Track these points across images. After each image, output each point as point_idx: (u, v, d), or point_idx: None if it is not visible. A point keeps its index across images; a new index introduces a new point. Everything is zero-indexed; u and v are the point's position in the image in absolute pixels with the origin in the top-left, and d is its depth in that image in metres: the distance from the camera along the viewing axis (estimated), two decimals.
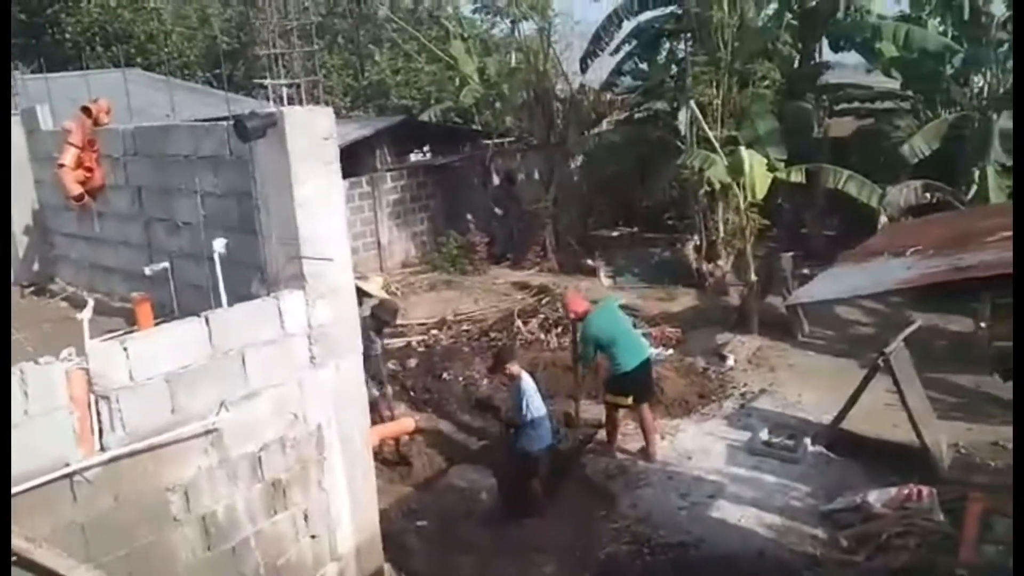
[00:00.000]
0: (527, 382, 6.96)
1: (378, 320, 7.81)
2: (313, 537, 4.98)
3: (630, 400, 7.50)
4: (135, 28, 23.17)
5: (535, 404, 6.87)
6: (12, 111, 8.14)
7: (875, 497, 6.23)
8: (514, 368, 7.05)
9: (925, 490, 6.15)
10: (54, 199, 7.47)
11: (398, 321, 11.69)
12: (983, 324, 9.23)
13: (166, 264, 6.08)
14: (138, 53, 22.22)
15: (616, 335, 7.44)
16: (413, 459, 7.72)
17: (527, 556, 6.21)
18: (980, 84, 12.19)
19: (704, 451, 7.59)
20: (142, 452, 4.00)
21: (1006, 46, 11.73)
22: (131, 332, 4.61)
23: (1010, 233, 4.52)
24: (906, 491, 6.18)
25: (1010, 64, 11.71)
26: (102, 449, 3.86)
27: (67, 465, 3.71)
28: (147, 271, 6.04)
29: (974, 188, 11.04)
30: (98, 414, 3.85)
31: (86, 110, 6.73)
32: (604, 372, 7.67)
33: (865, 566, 5.72)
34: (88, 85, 8.25)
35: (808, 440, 7.41)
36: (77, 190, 6.77)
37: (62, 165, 6.70)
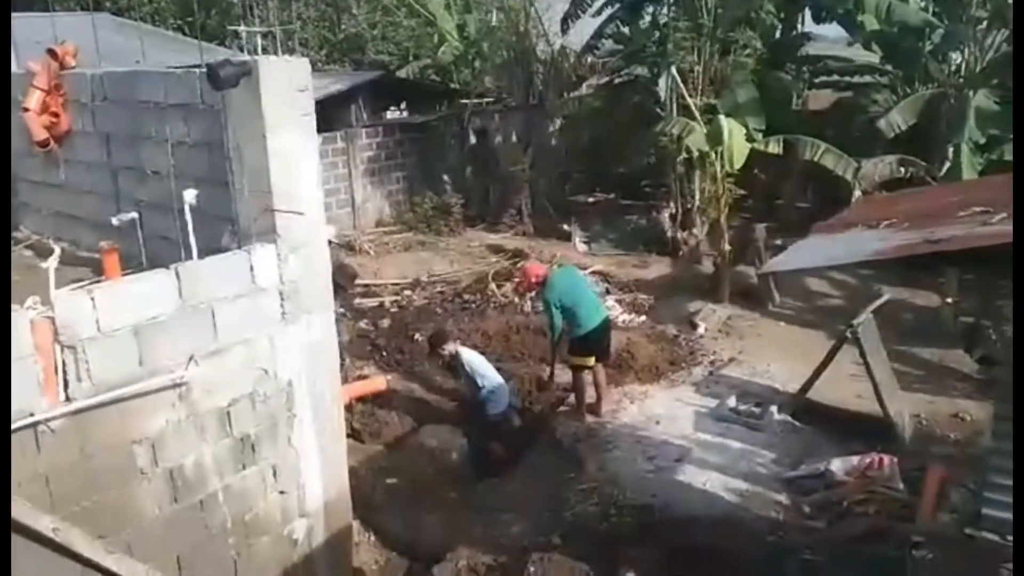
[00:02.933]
0: (468, 355, 7.00)
1: (335, 285, 7.68)
2: (282, 493, 4.97)
3: (592, 360, 7.57)
4: None
5: (487, 374, 6.93)
6: None
7: (838, 465, 6.36)
8: (450, 347, 7.11)
9: (886, 459, 6.28)
10: (18, 144, 7.24)
11: (375, 281, 11.67)
12: (949, 299, 9.40)
13: (134, 214, 5.93)
14: None
15: (577, 297, 7.54)
16: (381, 427, 7.72)
17: (496, 515, 6.27)
18: (958, 61, 12.23)
19: (672, 416, 7.68)
20: (109, 404, 3.94)
21: (984, 24, 11.77)
22: (98, 282, 4.51)
23: (982, 209, 4.57)
24: (868, 460, 6.31)
25: (988, 42, 11.77)
26: (67, 400, 3.80)
27: (31, 415, 3.65)
28: (115, 221, 5.89)
29: (947, 165, 11.14)
30: (63, 364, 3.78)
31: (52, 52, 6.50)
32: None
33: (826, 532, 5.85)
34: (54, 27, 7.92)
35: (774, 408, 7.52)
36: (42, 135, 6.56)
37: (27, 109, 6.48)
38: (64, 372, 3.79)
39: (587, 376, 7.64)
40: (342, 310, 7.84)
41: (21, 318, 3.63)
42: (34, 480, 3.72)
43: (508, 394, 7.10)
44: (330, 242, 7.40)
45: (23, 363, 3.63)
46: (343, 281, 7.83)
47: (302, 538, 5.16)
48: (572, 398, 7.88)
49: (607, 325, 7.78)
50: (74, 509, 3.86)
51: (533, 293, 8.76)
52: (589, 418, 7.62)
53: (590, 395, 7.71)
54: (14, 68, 7.49)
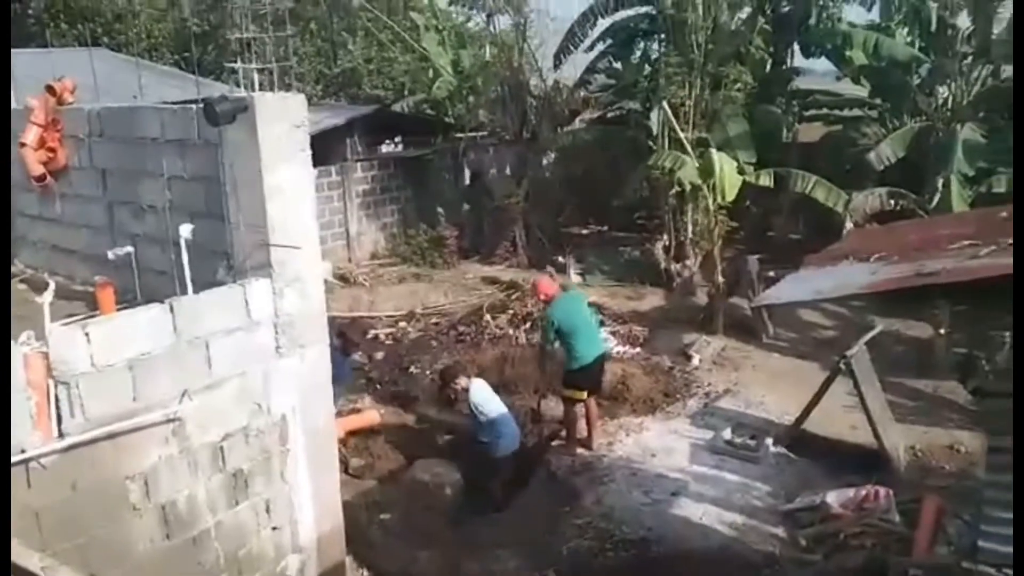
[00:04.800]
0: (477, 390, 7.04)
1: (346, 340, 7.65)
2: (275, 528, 4.93)
3: (585, 394, 7.57)
4: (101, 6, 22.57)
5: (490, 407, 6.93)
6: None
7: (833, 497, 6.34)
8: (463, 382, 7.15)
9: (882, 491, 6.26)
10: (15, 179, 7.27)
11: (369, 313, 11.69)
12: (942, 331, 9.43)
13: (130, 248, 5.94)
14: (104, 32, 21.66)
15: (578, 325, 7.52)
16: (375, 461, 7.67)
17: (491, 550, 6.22)
18: (944, 95, 12.43)
19: (668, 449, 7.65)
20: (102, 439, 3.93)
21: (970, 59, 11.99)
22: (93, 317, 4.51)
23: (970, 242, 4.62)
24: (864, 492, 6.29)
25: (974, 76, 11.99)
26: (60, 436, 3.78)
27: (23, 451, 3.63)
28: (110, 255, 5.90)
29: (937, 197, 11.26)
30: (57, 400, 3.77)
31: (50, 88, 6.55)
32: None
33: (822, 565, 5.82)
34: (52, 63, 8.03)
35: (770, 440, 7.51)
36: (39, 170, 6.59)
37: (24, 144, 6.52)
38: (57, 407, 3.78)
39: (579, 409, 7.63)
40: (358, 361, 7.87)
41: (15, 353, 3.63)
42: (24, 516, 3.68)
43: (514, 436, 7.14)
44: (325, 281, 7.46)
45: (16, 399, 3.61)
46: (355, 336, 7.85)
47: (295, 574, 5.10)
48: (564, 432, 7.86)
49: (603, 360, 7.79)
50: (65, 546, 3.82)
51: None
52: (580, 451, 7.60)
53: (581, 428, 7.70)
54: (13, 104, 7.55)
